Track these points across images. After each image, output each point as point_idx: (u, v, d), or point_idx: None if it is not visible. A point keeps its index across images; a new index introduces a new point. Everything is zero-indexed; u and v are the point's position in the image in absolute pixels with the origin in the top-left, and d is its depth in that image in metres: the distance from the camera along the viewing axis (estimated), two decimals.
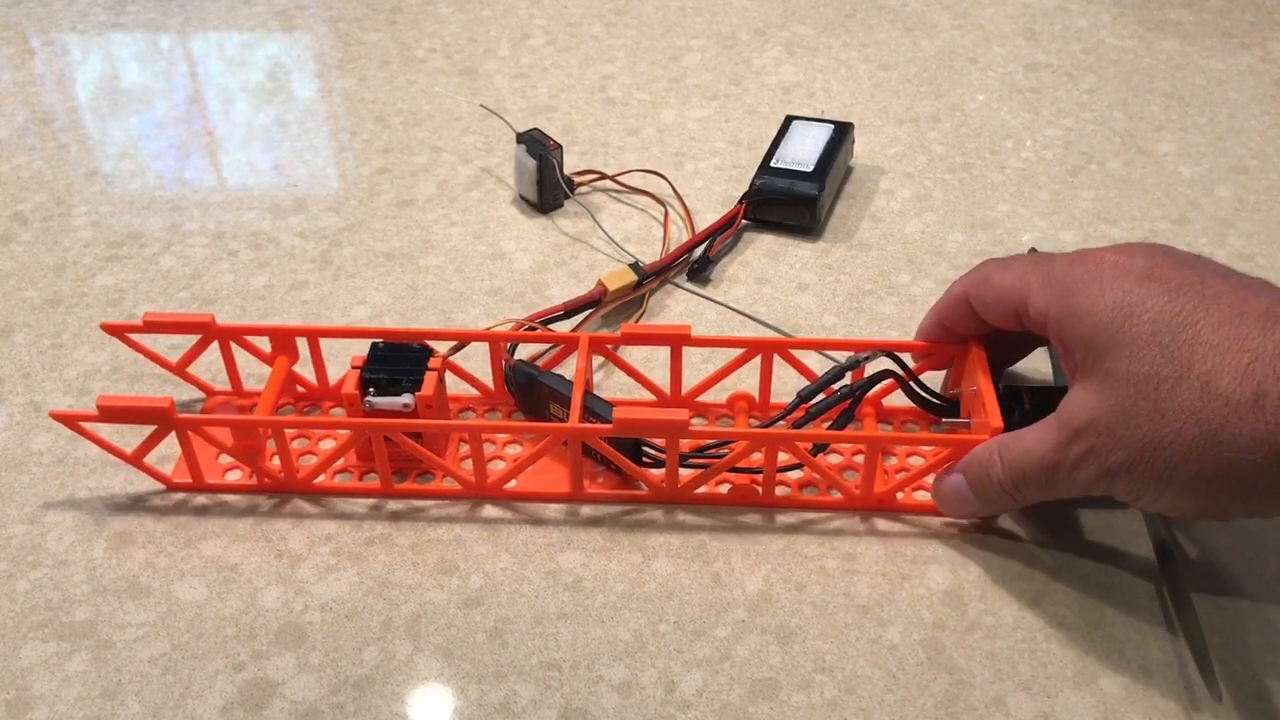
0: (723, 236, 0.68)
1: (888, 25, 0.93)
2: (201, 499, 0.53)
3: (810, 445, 0.50)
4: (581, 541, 0.51)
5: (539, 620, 0.48)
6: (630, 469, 0.50)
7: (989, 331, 0.50)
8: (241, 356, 0.58)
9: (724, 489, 0.53)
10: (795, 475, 0.53)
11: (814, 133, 0.73)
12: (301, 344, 0.57)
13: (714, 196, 0.74)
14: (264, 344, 0.56)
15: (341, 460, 0.54)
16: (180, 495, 0.53)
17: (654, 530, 0.51)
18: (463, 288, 0.66)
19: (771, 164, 0.71)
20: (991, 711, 0.45)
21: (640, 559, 0.50)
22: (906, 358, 0.53)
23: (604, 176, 0.74)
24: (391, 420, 0.50)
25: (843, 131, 0.73)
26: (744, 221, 0.70)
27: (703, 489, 0.52)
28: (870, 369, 0.54)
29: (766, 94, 0.85)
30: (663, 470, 0.51)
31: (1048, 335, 0.46)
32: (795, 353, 0.55)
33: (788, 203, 0.69)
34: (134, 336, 0.56)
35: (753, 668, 0.46)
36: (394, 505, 0.53)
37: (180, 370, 0.56)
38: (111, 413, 0.49)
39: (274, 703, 0.45)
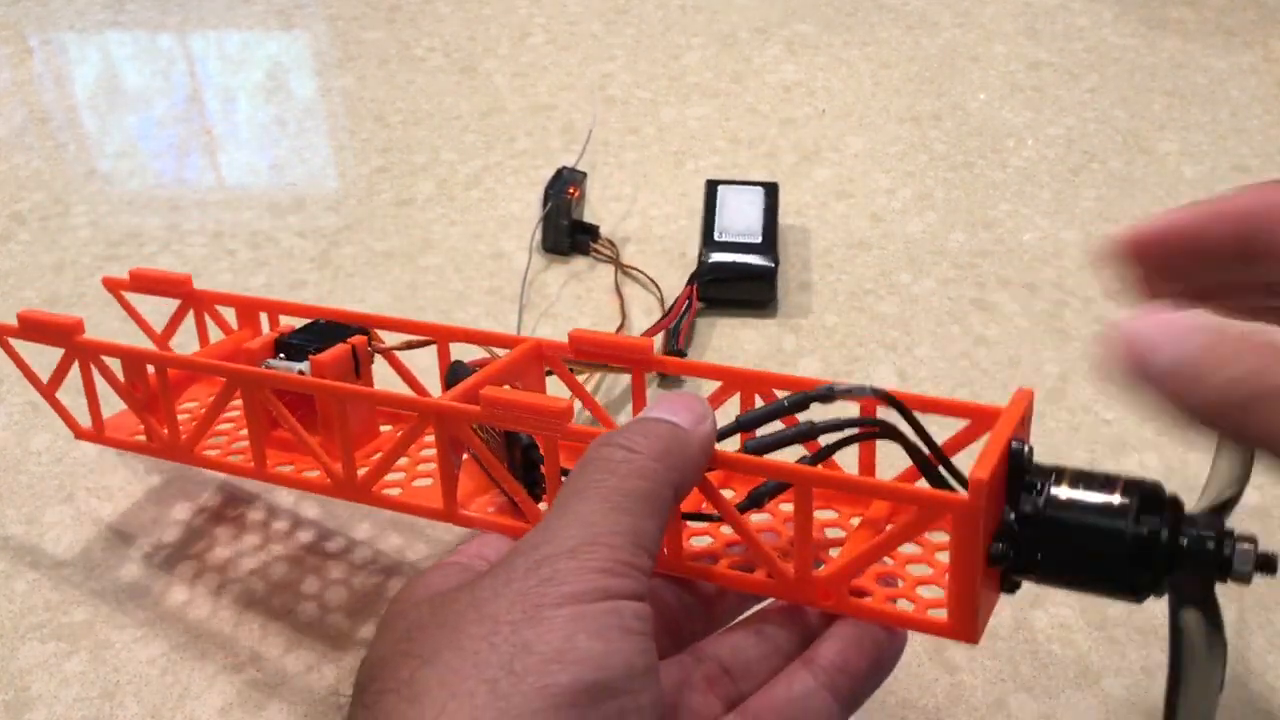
0: (684, 324, 0.61)
1: (889, 23, 0.93)
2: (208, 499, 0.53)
3: (745, 494, 0.36)
4: None
5: None
6: (502, 478, 0.38)
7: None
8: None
9: None
10: (728, 538, 0.38)
11: (746, 197, 0.67)
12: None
13: None
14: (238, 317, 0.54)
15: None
16: (178, 493, 0.53)
17: None
18: (462, 287, 0.66)
19: (717, 238, 0.64)
20: (993, 712, 0.44)
21: None
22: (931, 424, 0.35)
23: (614, 261, 0.67)
24: (255, 371, 0.44)
25: (773, 193, 0.68)
26: (699, 305, 0.63)
27: None
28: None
29: (767, 93, 0.84)
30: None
31: None
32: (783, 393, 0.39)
33: (742, 279, 0.63)
34: (127, 297, 0.54)
35: None
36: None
37: (162, 343, 0.54)
38: (27, 325, 0.48)
39: (273, 703, 0.45)
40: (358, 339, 0.47)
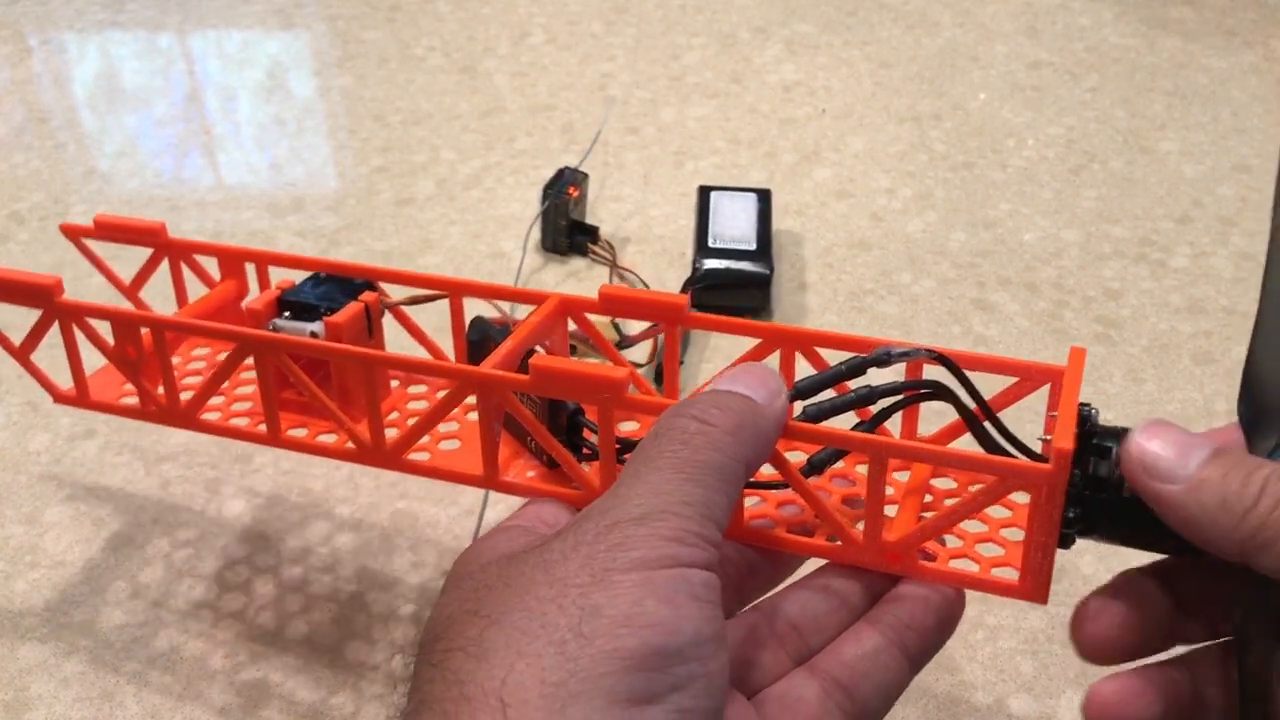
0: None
1: (889, 23, 0.93)
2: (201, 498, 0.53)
3: (806, 460, 0.36)
4: None
5: None
6: (551, 447, 0.37)
7: None
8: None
9: None
10: (779, 498, 0.38)
11: (740, 203, 0.67)
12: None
13: None
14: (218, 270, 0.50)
15: (252, 404, 0.46)
16: (179, 491, 0.53)
17: None
18: None
19: (711, 244, 0.64)
20: (993, 712, 0.44)
21: None
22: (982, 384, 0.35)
23: (612, 263, 0.67)
24: (272, 336, 0.41)
25: (766, 199, 0.67)
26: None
27: None
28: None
29: (767, 93, 0.84)
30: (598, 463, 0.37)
31: None
32: (826, 352, 0.40)
33: (736, 285, 0.62)
34: (90, 245, 0.50)
35: None
36: (400, 504, 0.52)
37: (132, 294, 0.50)
38: None
39: (273, 703, 0.45)
40: (369, 296, 0.44)
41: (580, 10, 0.95)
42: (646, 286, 0.65)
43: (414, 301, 0.45)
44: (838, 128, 0.80)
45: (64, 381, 0.46)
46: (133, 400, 0.45)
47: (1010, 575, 0.34)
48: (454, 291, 0.44)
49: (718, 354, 0.61)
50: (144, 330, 0.44)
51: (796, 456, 0.36)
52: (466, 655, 0.27)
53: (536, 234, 0.69)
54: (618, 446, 0.36)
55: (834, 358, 0.38)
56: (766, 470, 0.34)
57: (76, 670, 0.46)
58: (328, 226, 0.71)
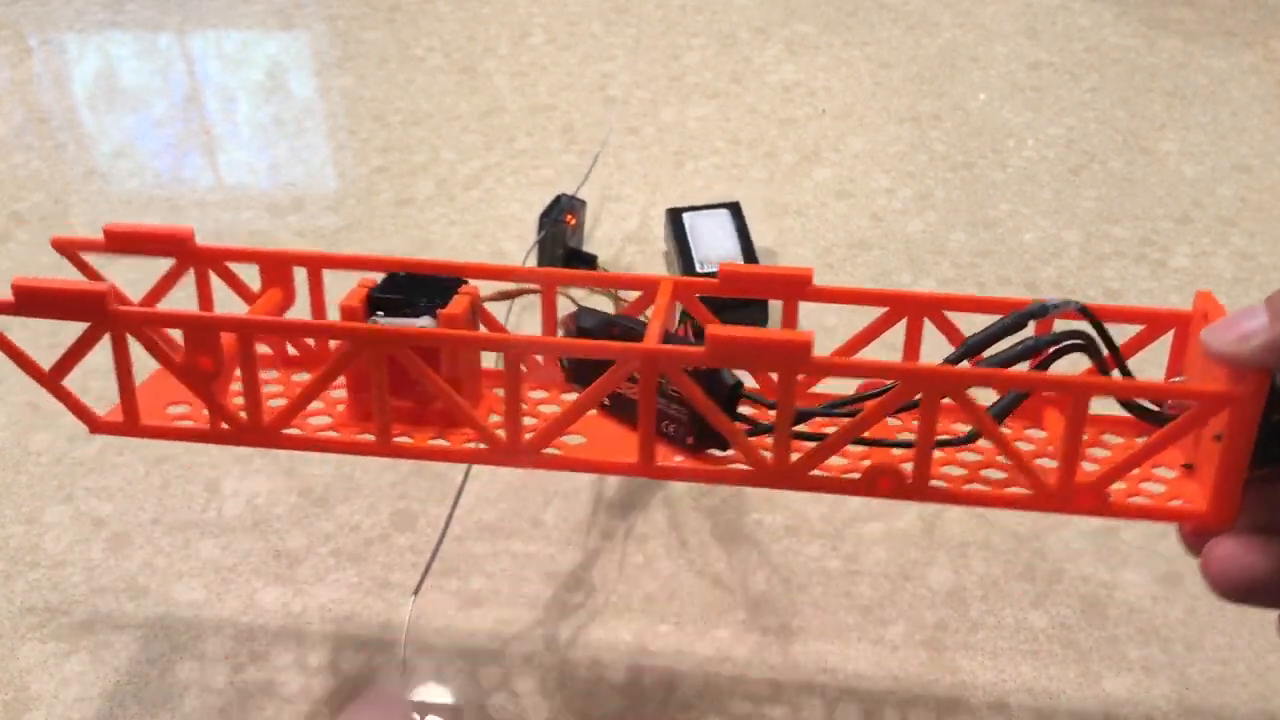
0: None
1: (889, 24, 0.93)
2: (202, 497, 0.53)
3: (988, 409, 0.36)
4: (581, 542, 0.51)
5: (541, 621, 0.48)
6: (725, 426, 0.35)
7: None
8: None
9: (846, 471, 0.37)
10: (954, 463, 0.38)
11: (715, 221, 0.65)
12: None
13: (712, 196, 0.74)
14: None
15: (325, 416, 0.40)
16: (179, 491, 0.53)
17: (650, 526, 0.51)
18: None
19: (699, 270, 0.62)
20: (993, 712, 0.44)
21: (642, 560, 0.50)
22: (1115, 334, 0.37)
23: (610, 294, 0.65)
24: (402, 330, 0.36)
25: (738, 213, 0.66)
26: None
27: (819, 472, 0.36)
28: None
29: (767, 93, 0.84)
30: (766, 436, 0.36)
31: None
32: (955, 316, 0.40)
33: (734, 309, 0.59)
34: (91, 260, 0.43)
35: (754, 668, 0.46)
36: (401, 504, 0.52)
37: (149, 307, 0.42)
38: (31, 298, 0.36)
39: (272, 703, 0.45)
40: (469, 289, 0.40)
41: (580, 10, 0.95)
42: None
43: (502, 297, 0.41)
44: (838, 128, 0.80)
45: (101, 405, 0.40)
46: (189, 422, 0.39)
47: (1187, 505, 0.35)
48: (547, 282, 0.41)
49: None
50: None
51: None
52: None
53: (531, 261, 0.67)
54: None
55: (957, 319, 0.39)
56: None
57: (77, 670, 0.46)
58: (327, 227, 0.71)
